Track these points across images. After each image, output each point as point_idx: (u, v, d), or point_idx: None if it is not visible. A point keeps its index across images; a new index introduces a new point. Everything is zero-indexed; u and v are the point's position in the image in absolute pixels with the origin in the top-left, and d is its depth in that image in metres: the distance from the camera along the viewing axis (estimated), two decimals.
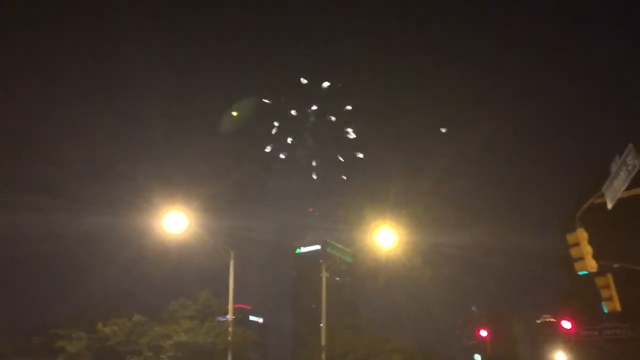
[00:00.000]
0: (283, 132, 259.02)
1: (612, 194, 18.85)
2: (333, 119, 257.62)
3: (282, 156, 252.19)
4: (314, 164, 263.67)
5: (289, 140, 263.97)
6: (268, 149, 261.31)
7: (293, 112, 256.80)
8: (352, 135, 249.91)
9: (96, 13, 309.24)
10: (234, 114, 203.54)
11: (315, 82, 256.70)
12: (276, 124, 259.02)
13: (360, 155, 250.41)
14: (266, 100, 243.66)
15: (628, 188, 17.95)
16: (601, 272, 22.60)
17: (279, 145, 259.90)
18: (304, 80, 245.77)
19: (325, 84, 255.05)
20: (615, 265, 23.28)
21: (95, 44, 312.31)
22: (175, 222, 24.90)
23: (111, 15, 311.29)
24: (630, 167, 17.02)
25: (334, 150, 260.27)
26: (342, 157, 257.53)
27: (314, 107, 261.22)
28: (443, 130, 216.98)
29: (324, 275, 38.14)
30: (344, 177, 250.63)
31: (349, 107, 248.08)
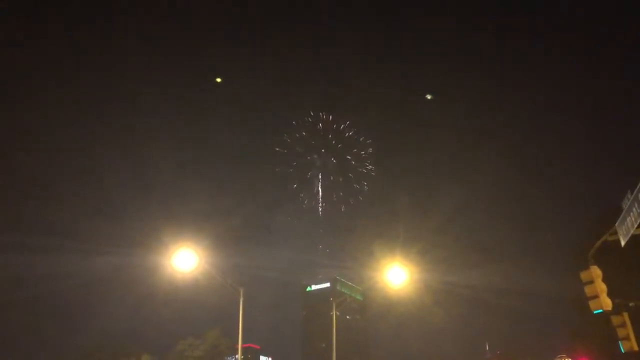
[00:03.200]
0: (294, 170, 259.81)
1: (625, 231, 18.68)
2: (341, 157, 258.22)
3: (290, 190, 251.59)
4: (321, 203, 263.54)
5: (300, 177, 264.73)
6: (277, 187, 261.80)
7: (303, 150, 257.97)
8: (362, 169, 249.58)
9: (107, 56, 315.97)
10: (218, 80, 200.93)
11: (325, 120, 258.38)
12: (286, 162, 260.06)
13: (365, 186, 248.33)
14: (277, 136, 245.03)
15: None
16: (617, 310, 22.18)
17: (289, 183, 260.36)
18: (314, 117, 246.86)
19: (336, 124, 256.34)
20: (631, 304, 22.81)
21: (105, 86, 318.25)
22: (184, 260, 24.82)
23: (121, 58, 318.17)
24: None
25: (343, 187, 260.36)
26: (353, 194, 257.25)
27: (324, 146, 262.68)
28: (428, 97, 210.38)
29: (335, 313, 37.71)
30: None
31: (367, 150, 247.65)
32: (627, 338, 22.32)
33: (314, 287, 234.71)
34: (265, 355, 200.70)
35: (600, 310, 21.15)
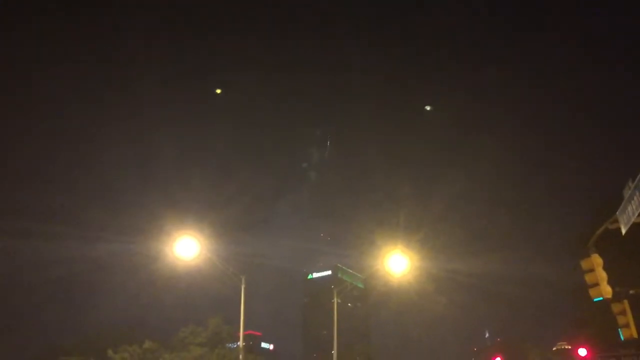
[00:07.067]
0: (295, 158, 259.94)
1: (626, 219, 18.68)
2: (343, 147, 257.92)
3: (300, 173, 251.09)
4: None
5: (301, 165, 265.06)
6: (280, 175, 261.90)
7: (305, 141, 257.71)
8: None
9: (107, 41, 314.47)
10: (218, 91, 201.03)
11: (327, 109, 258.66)
12: (288, 151, 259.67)
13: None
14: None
15: None
16: (617, 298, 22.27)
17: (292, 170, 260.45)
18: (316, 107, 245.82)
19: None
20: (631, 292, 22.90)
21: (108, 73, 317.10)
22: (186, 247, 24.91)
23: (121, 44, 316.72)
24: None
25: (344, 175, 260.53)
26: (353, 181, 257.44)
27: (326, 134, 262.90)
28: (427, 108, 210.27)
29: (336, 301, 37.86)
30: None
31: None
32: (627, 326, 22.42)
33: (315, 274, 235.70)
34: (266, 342, 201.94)
35: (601, 298, 21.25)
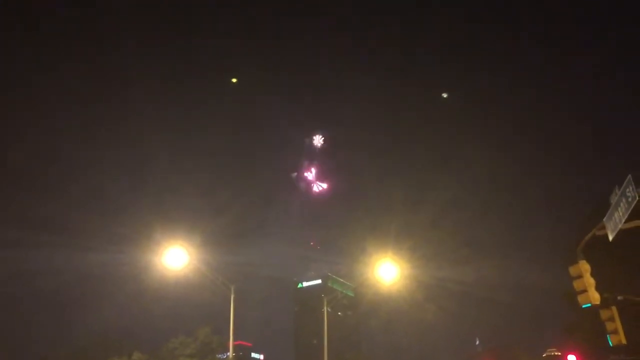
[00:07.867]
0: (286, 166, 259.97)
1: (613, 225, 18.82)
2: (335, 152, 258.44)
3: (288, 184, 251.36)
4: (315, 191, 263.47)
5: (292, 174, 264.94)
6: (270, 183, 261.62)
7: (297, 147, 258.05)
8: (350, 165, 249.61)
9: (100, 49, 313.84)
10: (234, 80, 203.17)
11: (319, 115, 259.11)
12: (279, 158, 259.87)
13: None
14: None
15: (628, 219, 17.93)
16: (605, 304, 22.35)
17: (282, 178, 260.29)
18: (309, 108, 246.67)
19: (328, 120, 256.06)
20: (620, 298, 23.01)
21: (99, 83, 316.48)
22: (175, 257, 24.78)
23: (114, 52, 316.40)
24: (629, 199, 17.06)
25: (335, 183, 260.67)
26: (344, 189, 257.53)
27: (318, 141, 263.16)
28: (444, 95, 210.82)
29: (326, 310, 37.77)
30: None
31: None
32: (615, 332, 22.50)
33: (305, 283, 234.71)
34: (256, 352, 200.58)
35: (589, 305, 21.32)
